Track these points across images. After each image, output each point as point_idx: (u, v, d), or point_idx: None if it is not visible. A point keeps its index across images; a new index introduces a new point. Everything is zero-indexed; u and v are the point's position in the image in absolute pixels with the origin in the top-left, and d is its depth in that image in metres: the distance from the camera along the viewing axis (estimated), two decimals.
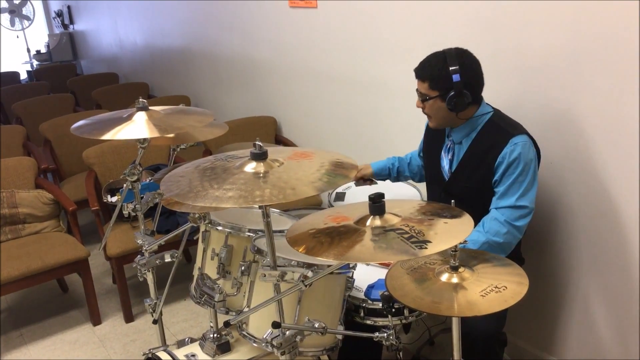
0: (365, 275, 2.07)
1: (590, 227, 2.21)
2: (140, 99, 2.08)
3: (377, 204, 1.39)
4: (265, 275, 1.54)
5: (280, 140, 3.90)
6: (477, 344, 1.93)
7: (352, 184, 2.69)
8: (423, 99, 2.05)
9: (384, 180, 2.54)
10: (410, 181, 2.59)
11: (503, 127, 2.03)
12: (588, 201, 2.18)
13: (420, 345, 2.76)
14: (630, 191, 2.04)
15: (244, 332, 1.82)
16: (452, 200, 1.59)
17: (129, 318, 3.27)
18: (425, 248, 1.27)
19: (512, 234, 1.99)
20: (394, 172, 2.49)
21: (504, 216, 1.98)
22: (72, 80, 6.26)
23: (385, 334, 1.78)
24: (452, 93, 1.96)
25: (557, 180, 2.26)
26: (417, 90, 2.08)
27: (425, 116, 2.14)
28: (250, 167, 1.47)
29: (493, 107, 2.11)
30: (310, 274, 1.49)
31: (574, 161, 2.19)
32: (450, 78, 1.96)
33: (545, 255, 2.41)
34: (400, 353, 2.22)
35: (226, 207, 1.30)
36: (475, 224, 1.93)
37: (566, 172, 2.22)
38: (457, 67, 1.95)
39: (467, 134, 2.08)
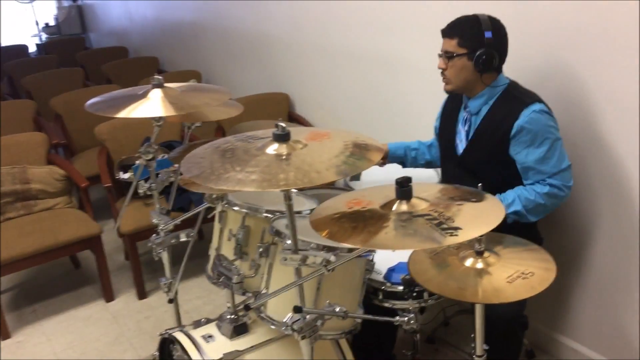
0: (386, 258, 2.03)
1: (611, 209, 2.17)
2: (156, 76, 2.03)
3: (404, 188, 1.35)
4: (286, 259, 1.50)
5: (294, 118, 3.85)
6: (499, 328, 1.90)
7: None
8: (450, 56, 2.01)
9: (399, 162, 2.44)
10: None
11: (518, 97, 2.02)
12: (609, 183, 2.14)
13: (435, 326, 2.74)
14: None
15: (262, 315, 1.80)
16: (480, 184, 1.55)
17: (142, 295, 3.27)
18: (456, 235, 1.23)
19: (566, 195, 2.01)
20: (411, 155, 2.41)
21: (561, 181, 1.98)
22: (81, 54, 6.19)
23: (406, 318, 1.75)
24: (482, 50, 1.95)
25: (579, 160, 2.21)
26: (439, 54, 2.05)
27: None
28: (272, 148, 1.42)
29: (510, 79, 2.09)
30: (333, 258, 1.46)
31: (595, 143, 2.14)
32: (482, 35, 1.95)
33: (565, 235, 2.37)
34: (417, 335, 2.21)
35: (249, 190, 1.26)
36: None
37: (588, 152, 2.18)
38: (490, 26, 1.96)
39: (485, 102, 2.06)
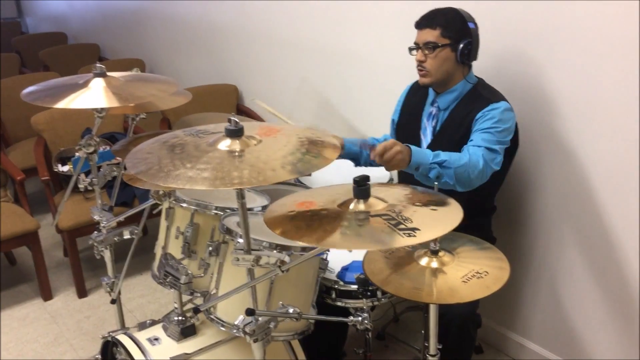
0: (339, 256, 1.99)
1: (561, 208, 2.20)
2: (98, 64, 1.92)
3: (362, 187, 1.31)
4: (238, 260, 1.44)
5: (243, 111, 3.76)
6: (453, 327, 1.89)
7: None
8: (434, 46, 1.95)
9: (352, 159, 2.32)
10: None
11: (484, 95, 2.01)
12: (562, 182, 2.17)
13: (385, 322, 2.73)
14: (606, 174, 2.02)
15: (212, 316, 1.73)
16: (435, 183, 1.53)
17: (82, 293, 3.13)
18: (414, 236, 1.20)
19: (483, 173, 1.88)
20: (366, 151, 2.28)
21: (482, 152, 1.88)
22: (17, 39, 5.94)
23: (360, 318, 1.72)
24: (468, 41, 1.94)
25: (533, 159, 2.23)
26: (415, 46, 2.00)
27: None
28: (225, 144, 1.35)
29: (477, 77, 2.09)
30: (287, 258, 1.41)
31: (550, 141, 2.16)
32: (466, 25, 1.95)
33: (515, 234, 2.39)
34: (369, 333, 2.18)
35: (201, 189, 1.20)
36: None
37: (543, 152, 2.20)
38: (471, 18, 1.96)
39: (455, 99, 2.04)
